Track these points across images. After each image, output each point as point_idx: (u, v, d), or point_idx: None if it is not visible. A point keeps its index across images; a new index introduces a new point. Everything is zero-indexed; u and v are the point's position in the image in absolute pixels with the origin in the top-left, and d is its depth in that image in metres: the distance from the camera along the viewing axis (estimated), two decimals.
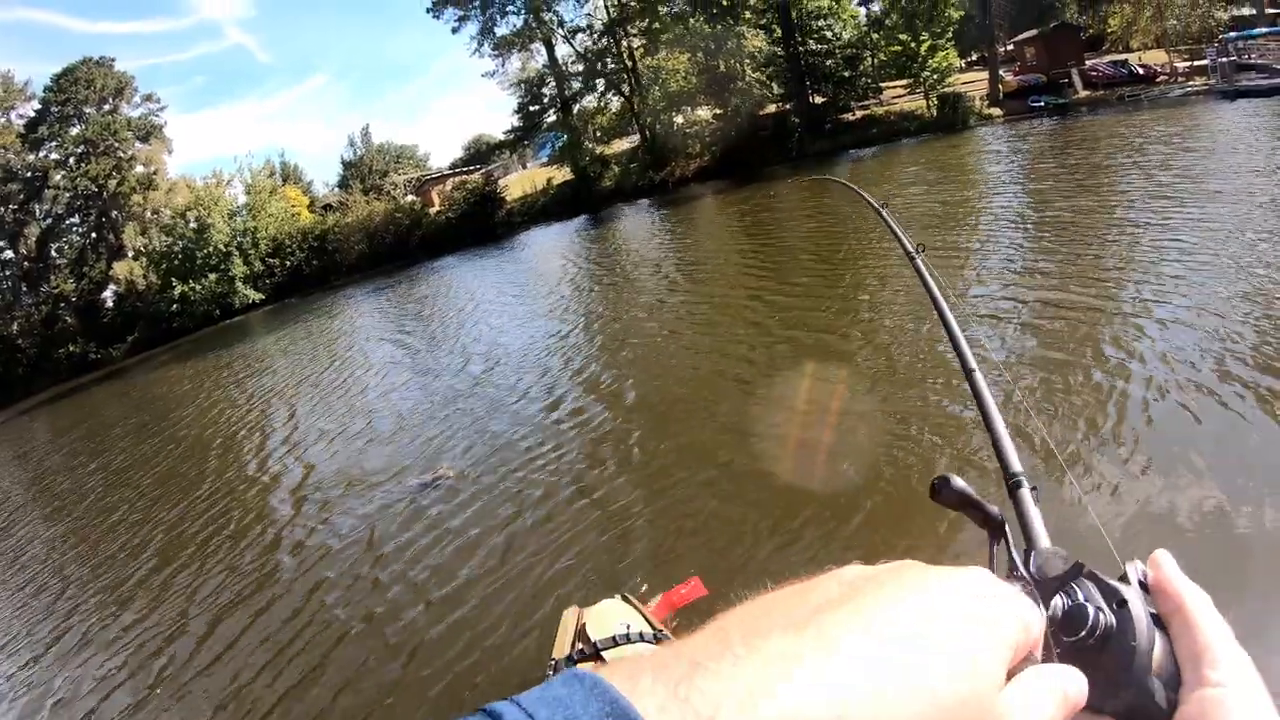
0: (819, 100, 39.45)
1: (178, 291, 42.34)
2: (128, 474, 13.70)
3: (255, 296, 42.51)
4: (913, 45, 38.28)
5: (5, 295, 51.65)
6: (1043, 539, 0.65)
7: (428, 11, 40.61)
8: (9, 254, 51.34)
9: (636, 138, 40.93)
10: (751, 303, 11.70)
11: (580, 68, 40.31)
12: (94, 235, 49.64)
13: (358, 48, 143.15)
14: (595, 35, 40.24)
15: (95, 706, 5.73)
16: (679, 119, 39.06)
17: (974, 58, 48.67)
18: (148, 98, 49.86)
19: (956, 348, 1.19)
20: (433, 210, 42.16)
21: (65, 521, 12.26)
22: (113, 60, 48.88)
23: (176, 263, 42.84)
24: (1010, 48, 46.62)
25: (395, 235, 41.15)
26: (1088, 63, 40.41)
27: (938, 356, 7.46)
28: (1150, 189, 13.08)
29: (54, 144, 48.51)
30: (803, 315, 10.37)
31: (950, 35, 39.49)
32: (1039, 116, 34.40)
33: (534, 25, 39.44)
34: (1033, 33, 44.67)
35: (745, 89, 37.94)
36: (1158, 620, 0.51)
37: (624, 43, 39.61)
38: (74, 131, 47.94)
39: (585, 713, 0.26)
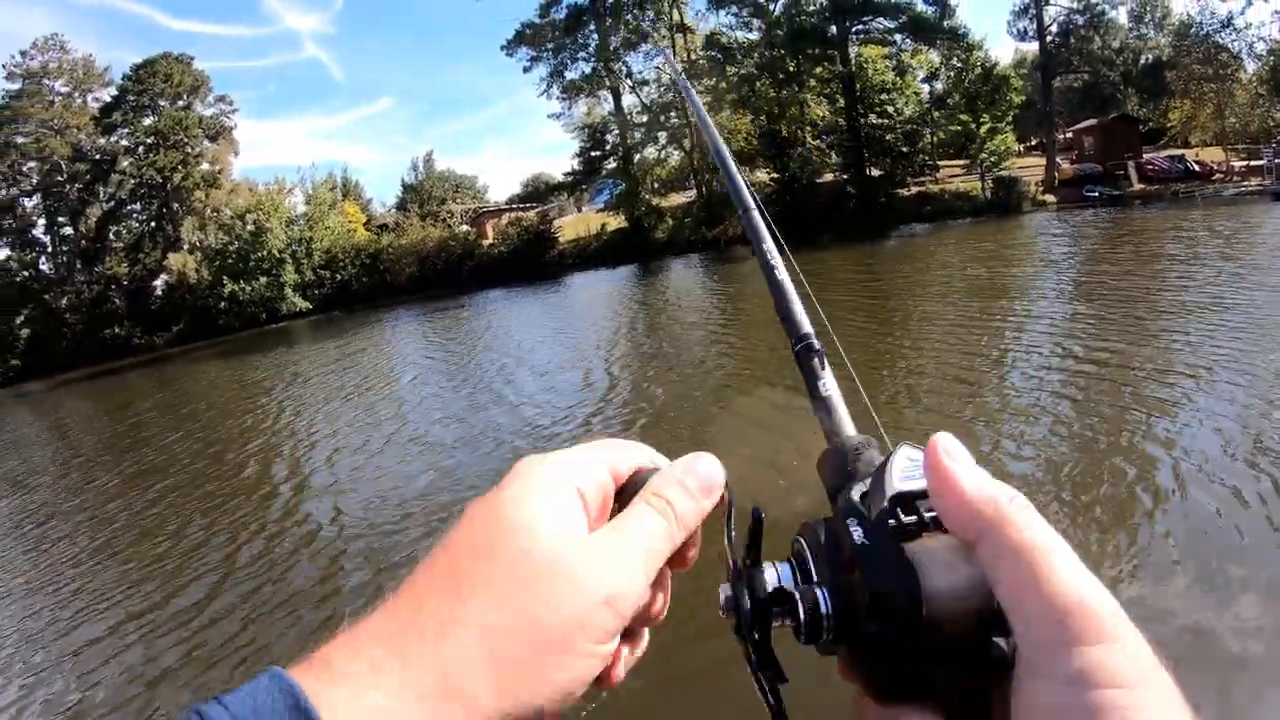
0: (876, 173, 39.90)
1: (228, 290, 43.46)
2: (177, 463, 13.68)
3: (303, 305, 43.53)
4: (972, 126, 38.72)
5: (60, 270, 53.10)
6: (846, 424, 0.57)
7: (502, 49, 41.76)
8: (69, 230, 52.83)
9: (693, 192, 41.49)
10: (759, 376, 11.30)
11: (644, 119, 41.12)
12: (153, 224, 50.93)
13: (429, 75, 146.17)
14: (661, 89, 40.99)
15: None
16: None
17: (1032, 143, 49.02)
18: (221, 99, 51.37)
19: (732, 182, 0.89)
20: (486, 242, 43.02)
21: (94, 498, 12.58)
22: (192, 58, 50.45)
23: (230, 261, 44.00)
24: (1069, 135, 46.92)
25: (446, 263, 41.95)
26: (1145, 156, 40.58)
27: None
28: (1210, 283, 13.16)
29: (126, 131, 50.03)
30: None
31: (1010, 119, 39.88)
32: (1093, 206, 34.59)
33: (603, 73, 40.32)
34: (1092, 122, 44.97)
35: (804, 155, 38.48)
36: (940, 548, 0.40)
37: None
38: (146, 122, 49.40)
39: (269, 702, 0.30)
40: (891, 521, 0.42)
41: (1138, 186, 37.72)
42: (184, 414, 19.56)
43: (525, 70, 41.85)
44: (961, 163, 40.79)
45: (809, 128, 39.32)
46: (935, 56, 42.82)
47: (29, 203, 54.45)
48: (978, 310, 14.09)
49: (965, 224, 35.02)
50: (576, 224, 44.48)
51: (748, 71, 39.53)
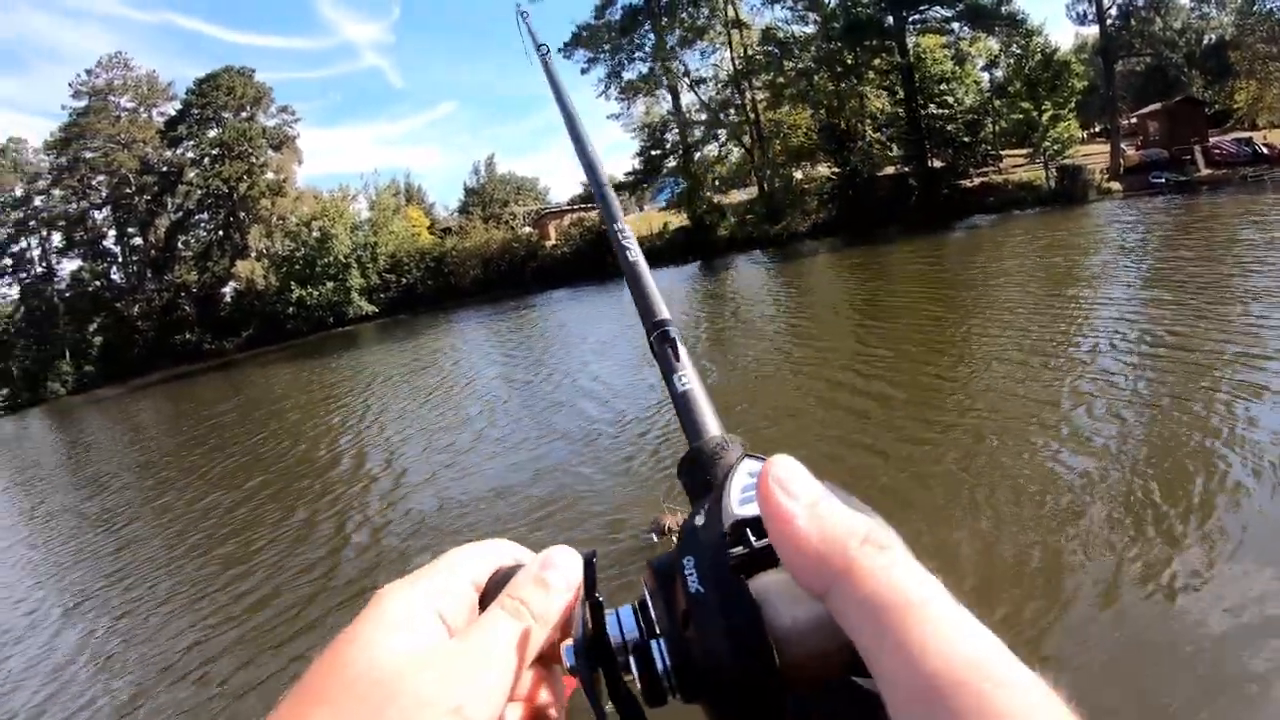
0: (938, 164, 39.54)
1: (295, 295, 44.64)
2: (258, 462, 14.19)
3: (369, 308, 44.60)
4: (1034, 114, 38.12)
5: (131, 279, 54.86)
6: (708, 422, 0.50)
7: (559, 51, 41.99)
8: (138, 241, 54.57)
9: (754, 189, 41.55)
10: (861, 371, 11.02)
11: (703, 116, 41.28)
12: (220, 233, 52.45)
13: (488, 78, 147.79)
14: (720, 85, 41.12)
15: None
16: (798, 174, 39.63)
17: (1096, 129, 48.10)
18: (283, 109, 52.71)
19: (585, 158, 0.88)
20: (549, 243, 43.60)
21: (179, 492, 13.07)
22: (253, 70, 51.79)
23: (297, 268, 45.19)
24: (1133, 121, 45.96)
25: (510, 264, 42.63)
26: (1211, 140, 39.65)
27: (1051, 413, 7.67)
28: None
29: (191, 143, 51.59)
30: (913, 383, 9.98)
31: (1073, 105, 39.18)
32: (1160, 193, 33.87)
33: (660, 73, 40.51)
34: (1156, 106, 44.03)
35: (864, 149, 38.29)
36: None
37: (748, 95, 40.38)
38: (211, 134, 50.86)
39: None
40: (739, 549, 0.36)
41: (1205, 171, 36.86)
42: (266, 414, 20.10)
43: (583, 72, 42.30)
44: (1024, 152, 40.21)
45: (869, 120, 39.10)
46: (994, 44, 42.17)
47: (99, 215, 56.38)
48: (1055, 299, 13.92)
49: (1030, 214, 34.50)
50: (639, 223, 44.61)
51: (805, 65, 39.37)
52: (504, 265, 42.72)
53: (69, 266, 58.70)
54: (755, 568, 0.36)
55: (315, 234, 44.89)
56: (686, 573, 0.36)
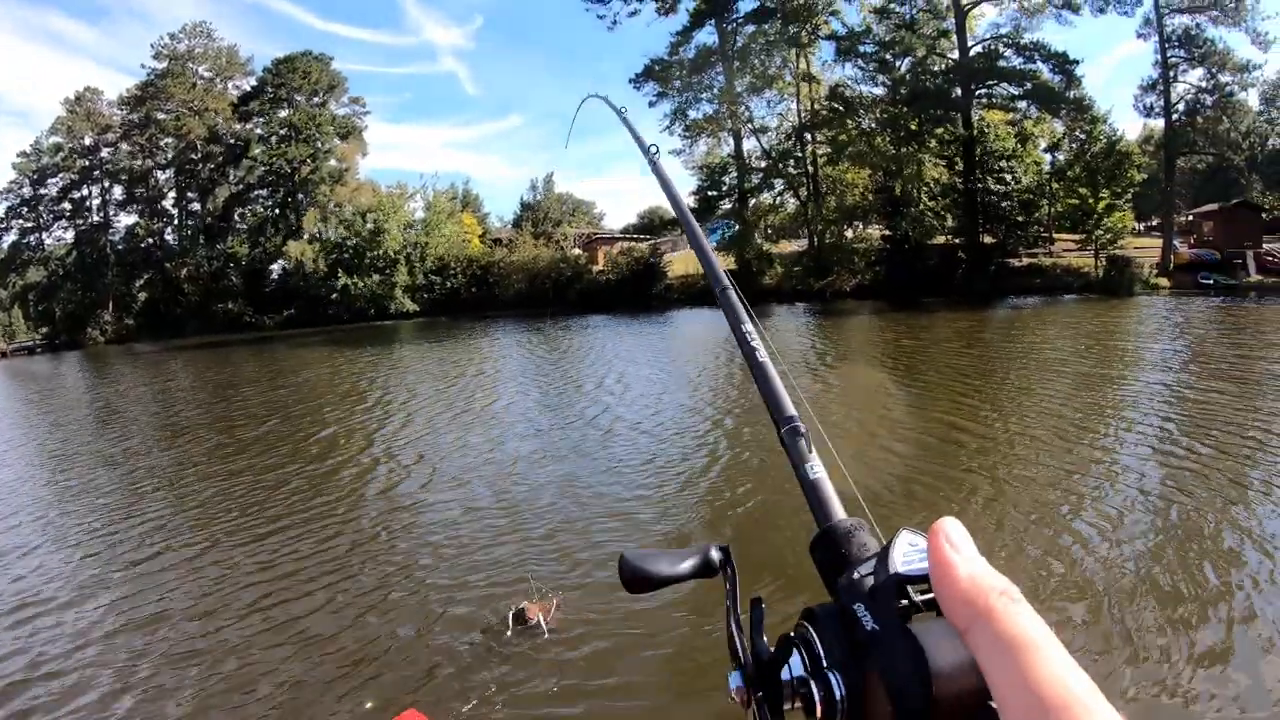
0: (989, 240, 39.76)
1: (341, 283, 45.52)
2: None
3: (411, 306, 45.38)
4: (1090, 200, 38.25)
5: (184, 242, 56.23)
6: (835, 507, 0.58)
7: (630, 82, 42.93)
8: (196, 206, 56.02)
9: (804, 242, 41.85)
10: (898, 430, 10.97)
11: (763, 164, 41.71)
12: (277, 211, 53.70)
13: (558, 99, 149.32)
14: (782, 136, 41.55)
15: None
16: (849, 232, 39.95)
17: (1153, 222, 48.10)
18: (355, 100, 54.07)
19: (706, 262, 1.02)
20: (595, 268, 44.10)
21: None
22: (331, 58, 53.10)
23: (347, 256, 46.09)
24: (1189, 218, 45.92)
25: (555, 283, 43.15)
26: (1265, 246, 39.52)
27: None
28: None
29: (261, 120, 52.91)
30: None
31: (1129, 196, 39.25)
32: (1206, 294, 33.85)
33: (725, 116, 41.07)
34: (1213, 207, 43.93)
35: (917, 215, 38.59)
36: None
37: (809, 148, 40.81)
38: (281, 114, 52.19)
39: None
40: (902, 600, 0.44)
41: (1255, 278, 36.71)
42: (304, 395, 20.38)
43: (650, 105, 42.91)
44: (1077, 237, 40.28)
45: (925, 188, 39.40)
46: (1059, 126, 42.39)
47: (162, 175, 57.93)
48: (1087, 388, 13.80)
49: (1074, 300, 34.54)
50: (686, 260, 44.78)
51: (869, 126, 39.83)
52: (548, 283, 43.27)
53: (125, 220, 60.32)
54: (911, 615, 0.44)
55: (369, 226, 45.81)
56: (860, 615, 0.44)
